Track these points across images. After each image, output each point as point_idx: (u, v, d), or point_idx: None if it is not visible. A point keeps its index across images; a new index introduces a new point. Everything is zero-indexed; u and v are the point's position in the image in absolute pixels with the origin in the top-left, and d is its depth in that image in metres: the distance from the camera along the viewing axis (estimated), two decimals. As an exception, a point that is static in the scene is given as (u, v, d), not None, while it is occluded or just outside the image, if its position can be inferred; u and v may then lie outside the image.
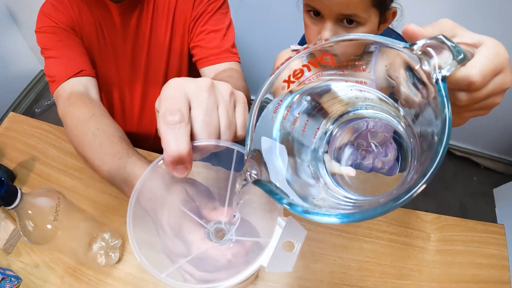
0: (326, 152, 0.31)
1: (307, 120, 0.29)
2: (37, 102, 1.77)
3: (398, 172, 0.29)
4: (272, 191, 0.22)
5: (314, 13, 0.52)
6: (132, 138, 0.70)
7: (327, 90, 0.29)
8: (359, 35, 0.24)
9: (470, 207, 1.50)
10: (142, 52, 0.71)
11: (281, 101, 0.27)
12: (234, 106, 0.29)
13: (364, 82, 0.27)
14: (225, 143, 0.26)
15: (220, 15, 0.69)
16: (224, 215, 0.31)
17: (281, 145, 0.27)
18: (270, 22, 1.30)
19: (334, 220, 0.19)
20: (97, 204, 0.64)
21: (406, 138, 0.27)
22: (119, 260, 0.57)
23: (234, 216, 0.30)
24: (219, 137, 0.27)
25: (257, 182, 0.23)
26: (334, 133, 0.31)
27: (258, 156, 0.25)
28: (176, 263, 0.29)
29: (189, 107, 0.25)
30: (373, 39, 0.23)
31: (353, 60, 0.26)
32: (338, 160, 0.32)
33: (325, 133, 0.31)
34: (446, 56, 0.21)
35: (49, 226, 0.41)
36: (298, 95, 0.28)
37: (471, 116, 0.30)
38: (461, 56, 0.21)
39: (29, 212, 0.40)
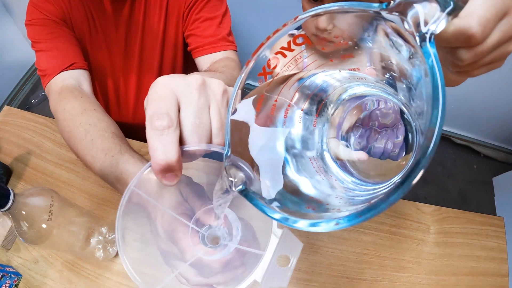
0: (330, 138, 0.28)
1: (302, 110, 0.27)
2: (33, 92, 1.75)
3: (405, 153, 0.27)
4: (264, 208, 0.20)
5: None
6: (128, 128, 0.69)
7: (313, 76, 0.26)
8: (322, 7, 0.20)
9: (469, 194, 1.51)
10: (136, 41, 0.69)
11: (262, 96, 0.24)
12: (228, 105, 0.27)
13: (351, 55, 0.24)
14: (216, 147, 0.25)
15: (215, 2, 0.67)
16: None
17: (274, 141, 0.25)
18: (268, 9, 1.26)
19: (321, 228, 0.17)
20: (93, 197, 0.63)
21: (408, 116, 0.24)
22: (117, 254, 0.57)
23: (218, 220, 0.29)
24: (210, 140, 0.25)
25: (245, 193, 0.20)
26: (335, 118, 0.28)
27: (245, 156, 0.22)
28: (172, 267, 0.28)
29: (179, 107, 0.24)
30: (338, 7, 0.19)
31: (331, 36, 0.23)
32: (346, 145, 0.29)
33: (325, 120, 0.28)
34: (432, 8, 0.17)
35: (44, 226, 0.41)
36: (282, 87, 0.25)
37: (483, 72, 0.25)
38: (451, 6, 0.17)
39: (23, 213, 0.39)
